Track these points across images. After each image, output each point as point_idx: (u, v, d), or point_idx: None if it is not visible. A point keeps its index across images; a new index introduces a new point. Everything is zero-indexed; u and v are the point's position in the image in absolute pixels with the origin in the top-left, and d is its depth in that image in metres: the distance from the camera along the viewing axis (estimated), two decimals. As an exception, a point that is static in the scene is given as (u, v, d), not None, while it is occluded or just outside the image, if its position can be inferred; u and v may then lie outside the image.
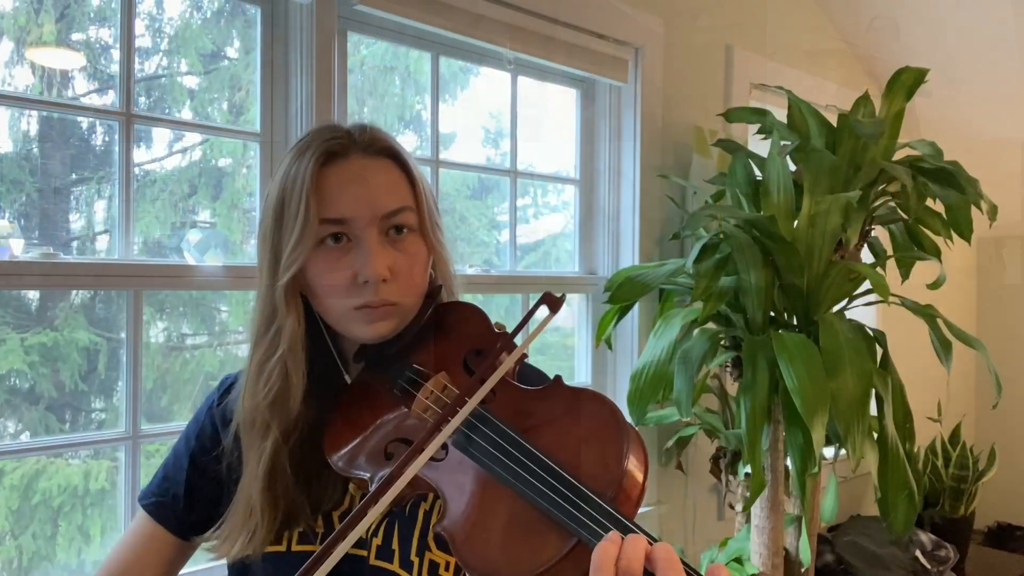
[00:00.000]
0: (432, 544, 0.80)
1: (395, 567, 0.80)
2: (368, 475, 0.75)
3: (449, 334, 0.85)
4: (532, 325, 0.76)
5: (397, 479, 0.65)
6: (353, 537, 0.62)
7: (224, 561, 0.87)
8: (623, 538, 0.56)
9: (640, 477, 0.65)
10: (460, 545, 0.64)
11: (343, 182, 0.78)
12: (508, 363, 0.71)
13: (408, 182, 0.82)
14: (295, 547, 0.82)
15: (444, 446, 0.71)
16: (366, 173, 0.80)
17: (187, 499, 0.89)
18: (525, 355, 0.83)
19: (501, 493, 0.66)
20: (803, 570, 1.89)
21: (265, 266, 0.81)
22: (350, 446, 0.79)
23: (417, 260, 0.82)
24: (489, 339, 0.82)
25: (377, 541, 0.81)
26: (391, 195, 0.80)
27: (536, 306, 0.71)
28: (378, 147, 0.82)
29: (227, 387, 0.93)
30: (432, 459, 0.70)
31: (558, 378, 0.75)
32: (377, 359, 0.84)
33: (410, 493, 0.72)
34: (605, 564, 0.54)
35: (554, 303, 0.72)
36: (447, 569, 0.80)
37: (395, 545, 0.81)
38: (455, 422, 0.68)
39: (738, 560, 1.87)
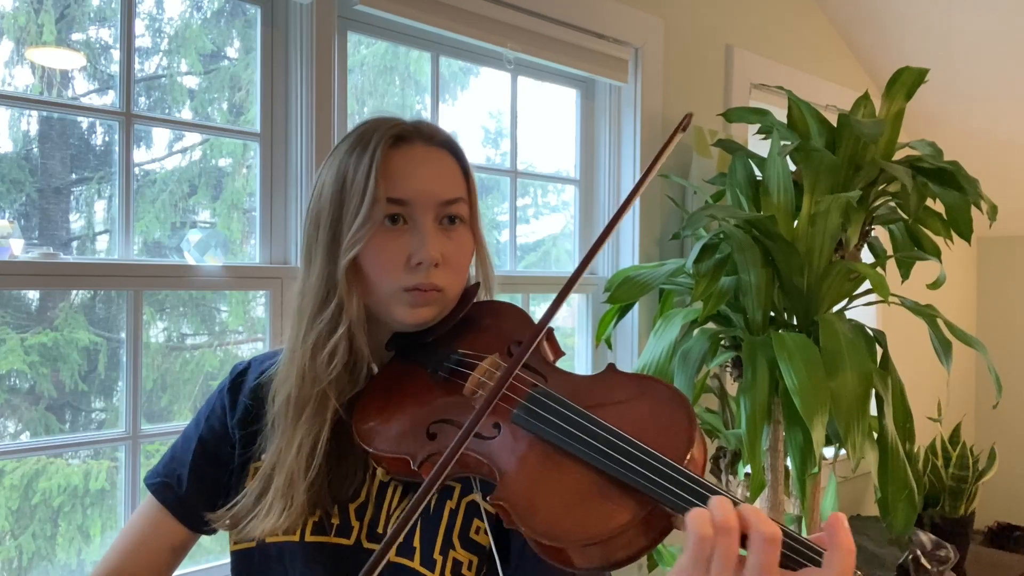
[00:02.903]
0: (457, 543, 0.80)
1: (415, 564, 0.79)
2: (409, 454, 0.75)
3: (491, 327, 0.86)
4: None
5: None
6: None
7: (222, 561, 0.87)
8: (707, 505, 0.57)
9: (703, 446, 0.66)
10: (523, 511, 0.64)
11: (409, 165, 0.82)
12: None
13: (464, 176, 0.86)
14: (308, 538, 0.82)
15: (497, 425, 0.72)
16: (430, 160, 0.83)
17: (191, 481, 0.89)
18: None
19: (568, 462, 0.66)
20: (803, 570, 1.89)
21: (321, 247, 0.82)
22: (389, 427, 0.79)
23: (465, 251, 0.86)
24: (531, 331, 0.83)
25: None
26: (450, 184, 0.84)
27: (677, 129, 0.72)
28: (440, 139, 0.86)
29: (240, 371, 0.94)
30: (483, 436, 0.71)
31: (611, 365, 0.77)
32: (412, 347, 0.85)
33: (457, 472, 0.73)
34: (702, 525, 0.55)
35: (685, 123, 0.72)
36: (470, 568, 0.80)
37: (416, 542, 0.80)
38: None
39: (738, 560, 1.87)
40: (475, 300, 0.89)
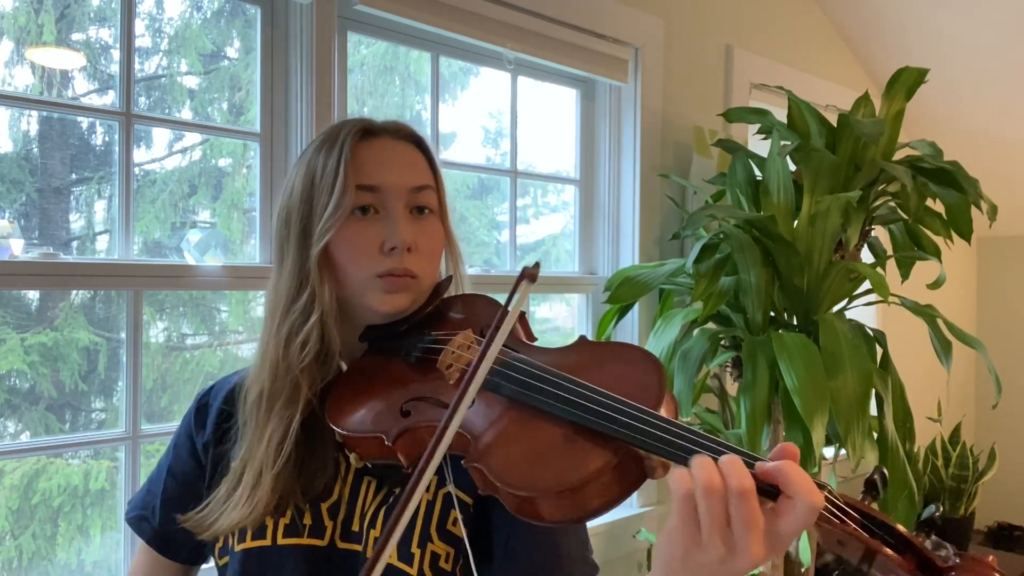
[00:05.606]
0: (435, 535, 0.80)
1: (393, 560, 0.79)
2: (382, 431, 0.75)
3: (462, 314, 0.87)
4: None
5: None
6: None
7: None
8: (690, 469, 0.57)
9: (674, 404, 0.67)
10: (498, 469, 0.64)
11: (377, 155, 0.84)
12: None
13: (430, 167, 0.88)
14: (280, 540, 0.81)
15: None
16: (397, 151, 0.86)
17: (164, 512, 0.90)
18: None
19: (541, 420, 0.67)
20: (803, 570, 1.89)
21: (292, 242, 0.83)
22: (362, 410, 0.79)
23: (436, 240, 0.87)
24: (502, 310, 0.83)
25: (375, 533, 0.80)
26: (418, 172, 0.86)
27: (518, 283, 0.69)
28: (405, 132, 0.88)
29: (204, 393, 0.94)
30: None
31: (583, 337, 0.78)
32: (384, 338, 0.86)
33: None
34: (682, 484, 0.56)
35: (532, 275, 0.70)
36: (447, 560, 0.79)
37: None
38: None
39: (738, 560, 1.87)
40: (446, 294, 0.90)
